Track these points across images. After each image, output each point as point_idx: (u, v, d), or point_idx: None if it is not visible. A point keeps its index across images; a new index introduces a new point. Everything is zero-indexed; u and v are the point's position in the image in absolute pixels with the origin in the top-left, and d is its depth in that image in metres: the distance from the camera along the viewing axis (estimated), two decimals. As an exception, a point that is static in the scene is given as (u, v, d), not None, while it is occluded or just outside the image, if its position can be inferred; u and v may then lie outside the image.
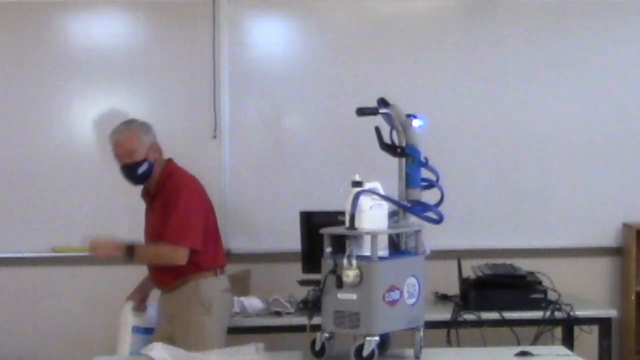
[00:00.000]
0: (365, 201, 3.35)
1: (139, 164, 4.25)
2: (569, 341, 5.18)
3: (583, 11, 5.64)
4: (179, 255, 4.21)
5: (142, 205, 4.46)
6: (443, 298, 5.19)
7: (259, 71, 5.53)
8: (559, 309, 4.91)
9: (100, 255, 4.26)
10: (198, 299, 4.29)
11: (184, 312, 4.28)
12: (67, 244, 5.35)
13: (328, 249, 3.39)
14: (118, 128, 4.33)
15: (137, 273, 4.54)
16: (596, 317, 5.03)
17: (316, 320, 3.50)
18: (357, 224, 3.34)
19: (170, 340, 4.02)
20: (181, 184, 4.29)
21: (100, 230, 5.35)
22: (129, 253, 4.19)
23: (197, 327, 4.24)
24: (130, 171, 4.27)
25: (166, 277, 4.33)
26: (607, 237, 5.69)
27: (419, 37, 5.60)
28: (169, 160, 4.41)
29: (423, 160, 3.55)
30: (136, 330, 4.45)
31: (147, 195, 4.41)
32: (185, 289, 4.30)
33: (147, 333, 4.44)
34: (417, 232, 3.51)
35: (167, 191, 4.28)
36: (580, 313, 4.93)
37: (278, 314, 4.86)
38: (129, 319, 4.44)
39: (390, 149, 3.54)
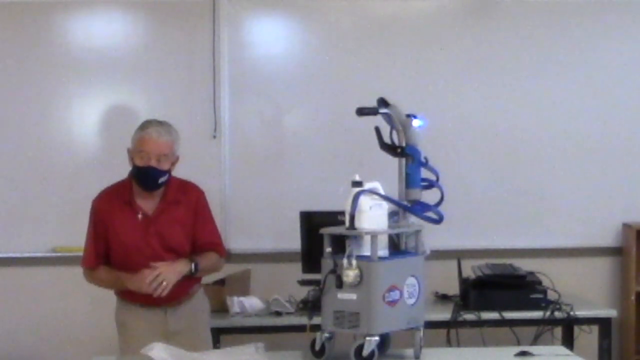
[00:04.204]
0: (365, 201, 3.35)
1: (162, 172, 3.93)
2: (569, 341, 5.18)
3: (583, 11, 5.64)
4: (222, 264, 4.14)
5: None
6: (443, 298, 5.19)
7: (259, 71, 5.53)
8: (559, 309, 4.91)
9: (172, 282, 3.85)
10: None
11: (195, 326, 4.09)
12: (67, 244, 5.37)
13: (328, 249, 3.38)
14: (158, 127, 3.95)
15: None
16: (596, 317, 5.03)
17: (316, 320, 3.50)
18: (357, 224, 3.34)
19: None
20: (200, 191, 4.10)
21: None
22: (195, 267, 3.94)
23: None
24: (150, 175, 3.91)
25: (179, 289, 3.96)
26: (607, 237, 5.69)
27: (419, 37, 5.60)
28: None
29: (423, 160, 3.55)
30: None
31: (130, 205, 4.02)
32: (195, 301, 4.13)
33: None
34: (417, 232, 3.51)
35: (190, 200, 4.05)
36: (580, 313, 4.93)
37: (278, 314, 4.86)
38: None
39: (390, 149, 3.54)
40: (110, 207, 4.04)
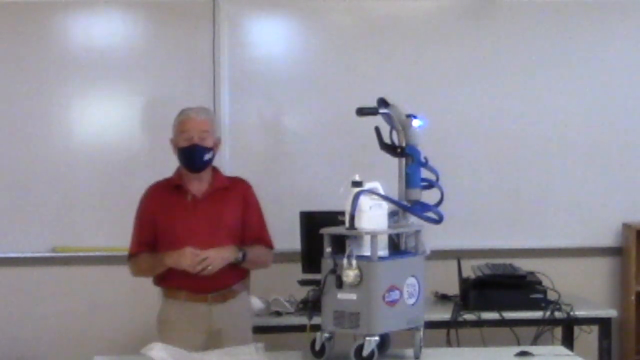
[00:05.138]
0: (365, 201, 3.35)
1: (207, 149, 4.00)
2: (569, 341, 5.17)
3: (583, 11, 5.64)
4: (271, 259, 4.16)
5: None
6: (443, 298, 5.19)
7: (259, 71, 5.53)
8: (559, 309, 4.90)
9: (218, 266, 3.88)
10: (251, 311, 4.20)
11: (238, 325, 4.05)
12: (67, 244, 5.36)
13: (328, 249, 3.39)
14: (195, 108, 4.10)
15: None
16: (596, 317, 5.03)
17: (316, 320, 3.50)
18: (357, 224, 3.34)
19: None
20: (249, 184, 4.19)
21: (100, 230, 5.38)
22: (243, 256, 3.98)
23: (248, 342, 3.89)
24: (195, 153, 3.98)
25: (224, 277, 3.97)
26: (607, 237, 5.69)
27: (419, 37, 5.60)
28: None
29: (423, 160, 3.56)
30: None
31: (179, 190, 4.07)
32: (240, 301, 4.12)
33: None
34: (417, 232, 3.52)
35: (238, 189, 4.13)
36: (580, 313, 4.93)
37: (278, 314, 4.86)
38: None
39: (390, 149, 3.55)
40: (159, 193, 4.10)
